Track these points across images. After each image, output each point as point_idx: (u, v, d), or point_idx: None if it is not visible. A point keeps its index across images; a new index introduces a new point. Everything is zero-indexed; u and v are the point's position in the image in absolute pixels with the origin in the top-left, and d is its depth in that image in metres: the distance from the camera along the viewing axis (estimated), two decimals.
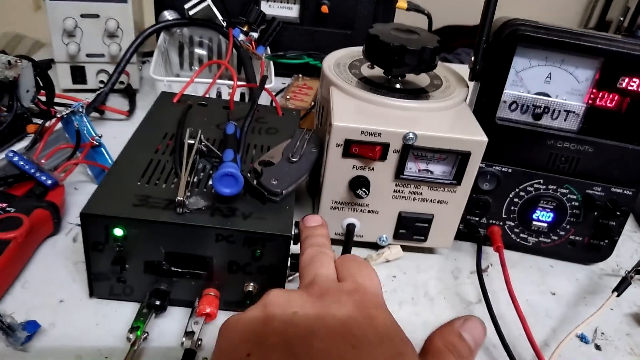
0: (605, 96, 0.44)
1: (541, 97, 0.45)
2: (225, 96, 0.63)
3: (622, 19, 1.58)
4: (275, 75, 0.68)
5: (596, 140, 0.45)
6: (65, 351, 0.35)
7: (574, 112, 0.45)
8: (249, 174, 0.41)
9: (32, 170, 0.45)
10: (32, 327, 0.35)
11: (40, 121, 0.54)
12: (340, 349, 0.23)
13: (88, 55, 0.66)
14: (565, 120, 0.45)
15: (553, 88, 0.45)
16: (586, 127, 0.45)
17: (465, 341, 0.26)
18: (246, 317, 0.26)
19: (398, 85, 0.48)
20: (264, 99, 0.58)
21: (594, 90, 0.44)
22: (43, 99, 0.60)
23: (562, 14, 1.65)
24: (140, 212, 0.36)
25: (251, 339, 0.25)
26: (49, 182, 0.45)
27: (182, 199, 0.36)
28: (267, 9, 0.76)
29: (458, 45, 1.14)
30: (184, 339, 0.35)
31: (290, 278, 0.40)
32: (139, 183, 0.39)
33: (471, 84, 0.48)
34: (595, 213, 0.48)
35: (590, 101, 0.44)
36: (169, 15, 0.69)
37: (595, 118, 0.45)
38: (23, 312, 0.37)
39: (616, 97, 0.44)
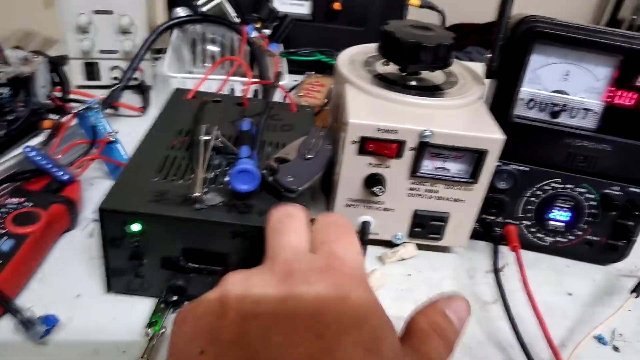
0: (624, 94, 0.43)
1: (559, 95, 0.44)
2: (237, 93, 0.63)
3: (634, 17, 1.57)
4: (288, 72, 0.68)
5: (614, 139, 0.44)
6: (83, 345, 0.35)
7: (592, 110, 0.44)
8: (264, 171, 0.41)
9: (49, 166, 0.45)
10: (51, 322, 0.35)
11: (55, 117, 0.54)
12: (304, 342, 0.21)
13: (101, 52, 0.67)
14: (583, 118, 0.45)
15: (571, 86, 0.44)
16: (604, 125, 0.44)
17: (450, 320, 0.24)
18: (201, 306, 0.23)
19: (413, 83, 0.48)
20: (276, 96, 0.58)
21: (613, 89, 0.43)
22: (58, 95, 0.60)
23: (573, 12, 1.64)
24: (158, 208, 0.36)
25: (205, 333, 0.22)
26: (65, 177, 0.45)
27: (199, 194, 0.36)
28: (279, 5, 0.76)
29: (468, 43, 1.13)
30: None
31: None
32: (155, 179, 0.39)
33: (487, 82, 0.48)
34: (613, 213, 0.47)
35: (608, 99, 0.44)
36: (181, 11, 0.69)
37: (613, 116, 0.44)
38: (41, 307, 0.37)
39: (635, 96, 0.43)
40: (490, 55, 0.44)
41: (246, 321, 0.22)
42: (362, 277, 0.25)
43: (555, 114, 0.45)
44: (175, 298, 0.37)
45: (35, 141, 0.54)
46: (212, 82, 0.60)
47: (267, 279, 0.23)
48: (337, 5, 0.75)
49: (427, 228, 0.46)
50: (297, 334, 0.21)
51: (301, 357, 0.20)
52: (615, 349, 0.41)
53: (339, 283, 0.23)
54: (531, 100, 0.45)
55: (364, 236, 0.45)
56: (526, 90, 0.44)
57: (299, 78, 0.74)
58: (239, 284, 0.23)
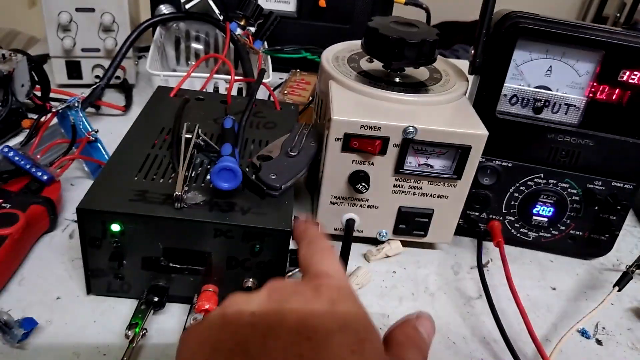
0: (606, 89, 0.44)
1: (541, 90, 0.45)
2: (222, 91, 0.62)
3: (618, 15, 1.58)
4: (273, 70, 0.68)
5: (597, 134, 0.45)
6: (62, 348, 0.34)
7: (575, 105, 0.45)
8: (247, 169, 0.40)
9: (28, 166, 0.44)
10: (29, 325, 0.34)
11: (35, 116, 0.53)
12: (295, 344, 0.23)
13: (83, 50, 0.66)
14: (565, 114, 0.45)
15: (553, 81, 0.44)
16: (587, 120, 0.45)
17: (422, 334, 0.28)
18: (205, 322, 0.26)
19: (397, 79, 0.47)
20: (261, 94, 0.58)
21: (595, 84, 0.43)
22: (38, 94, 0.59)
23: (559, 9, 1.65)
24: (138, 207, 0.35)
25: (208, 345, 0.24)
26: (45, 177, 0.44)
27: (180, 193, 0.35)
28: (264, 2, 0.75)
29: (455, 41, 1.14)
30: None
31: (289, 274, 0.40)
32: (136, 178, 0.38)
33: (471, 78, 0.48)
34: (596, 207, 0.47)
35: (590, 95, 0.44)
36: (165, 9, 0.68)
37: (595, 112, 0.44)
38: (20, 310, 0.36)
39: (617, 91, 0.43)
40: (473, 51, 0.44)
41: (244, 331, 0.24)
42: (349, 289, 0.27)
43: (538, 110, 0.45)
44: (156, 299, 0.36)
45: (15, 141, 0.53)
46: (196, 80, 0.59)
47: (264, 296, 0.26)
48: (322, 3, 0.75)
49: (411, 225, 0.46)
50: (289, 338, 0.23)
51: (293, 357, 0.23)
52: (599, 342, 0.42)
53: (325, 292, 0.26)
54: (514, 96, 0.45)
55: (349, 234, 0.45)
56: (509, 86, 0.45)
57: (284, 76, 0.74)
58: (238, 302, 0.26)
